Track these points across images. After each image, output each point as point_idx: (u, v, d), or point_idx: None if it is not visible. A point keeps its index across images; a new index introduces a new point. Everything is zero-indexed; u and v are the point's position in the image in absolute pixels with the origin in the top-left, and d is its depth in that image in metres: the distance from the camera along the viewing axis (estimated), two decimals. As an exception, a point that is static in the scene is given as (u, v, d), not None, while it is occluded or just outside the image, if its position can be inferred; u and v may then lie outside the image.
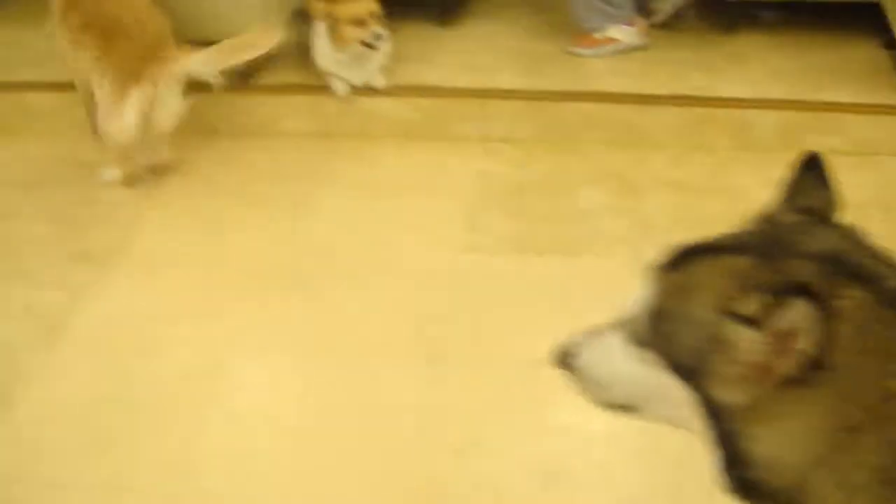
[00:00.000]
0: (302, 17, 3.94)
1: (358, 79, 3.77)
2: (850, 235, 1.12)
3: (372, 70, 3.76)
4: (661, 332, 1.12)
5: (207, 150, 3.82)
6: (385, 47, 3.74)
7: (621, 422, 1.25)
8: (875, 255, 1.09)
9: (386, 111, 3.80)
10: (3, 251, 3.30)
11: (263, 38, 3.44)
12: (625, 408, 1.25)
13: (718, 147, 3.63)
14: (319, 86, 3.82)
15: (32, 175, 3.78)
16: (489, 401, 2.59)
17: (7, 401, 2.67)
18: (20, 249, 3.32)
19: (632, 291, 1.18)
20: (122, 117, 3.35)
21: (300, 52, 3.95)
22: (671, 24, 4.14)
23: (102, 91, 3.36)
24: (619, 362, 1.19)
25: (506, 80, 3.84)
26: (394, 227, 3.32)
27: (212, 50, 3.34)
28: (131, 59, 3.37)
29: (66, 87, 3.83)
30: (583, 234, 3.23)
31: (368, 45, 3.64)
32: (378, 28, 3.61)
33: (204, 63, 3.34)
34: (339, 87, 3.76)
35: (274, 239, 3.29)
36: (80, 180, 3.70)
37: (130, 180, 3.63)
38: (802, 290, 0.97)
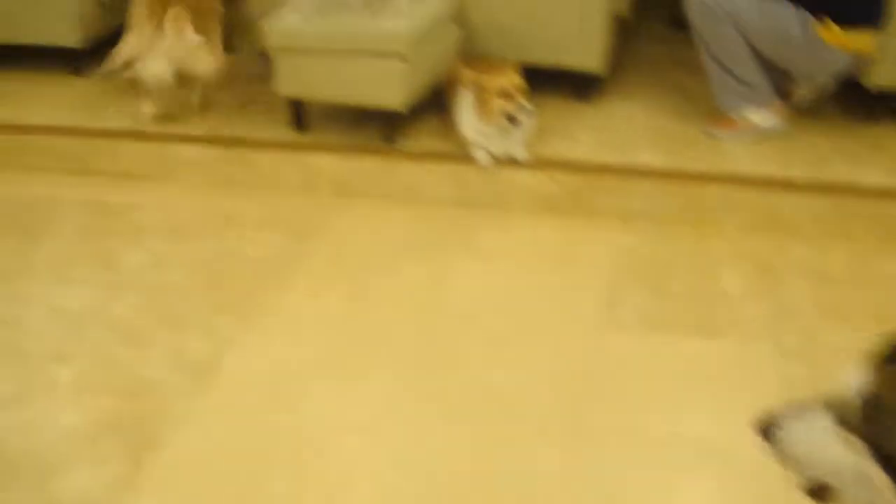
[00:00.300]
0: (448, 85, 3.98)
1: (501, 150, 3.80)
2: None
3: (515, 142, 3.81)
4: (877, 424, 1.11)
5: (350, 211, 3.92)
6: (529, 122, 3.77)
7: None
8: None
9: (526, 183, 3.83)
10: (151, 296, 3.41)
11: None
12: (822, 489, 1.23)
13: (861, 237, 3.59)
14: (462, 154, 3.86)
15: (179, 224, 3.91)
16: (624, 475, 2.58)
17: (155, 443, 2.73)
18: (167, 296, 3.41)
19: (845, 374, 1.17)
20: (154, 62, 3.89)
21: (444, 119, 4.05)
22: (811, 110, 4.10)
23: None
24: (826, 444, 1.19)
25: (645, 158, 3.87)
26: (533, 299, 3.34)
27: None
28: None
29: (214, 140, 4.05)
30: (722, 317, 3.20)
31: (512, 119, 3.65)
32: (524, 102, 3.64)
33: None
34: (482, 157, 3.80)
35: (414, 304, 3.33)
36: (225, 232, 3.82)
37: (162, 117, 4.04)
38: None
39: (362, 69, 3.77)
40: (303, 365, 3.03)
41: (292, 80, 3.94)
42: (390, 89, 3.79)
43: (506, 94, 3.68)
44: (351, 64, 3.79)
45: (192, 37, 4.11)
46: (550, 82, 4.19)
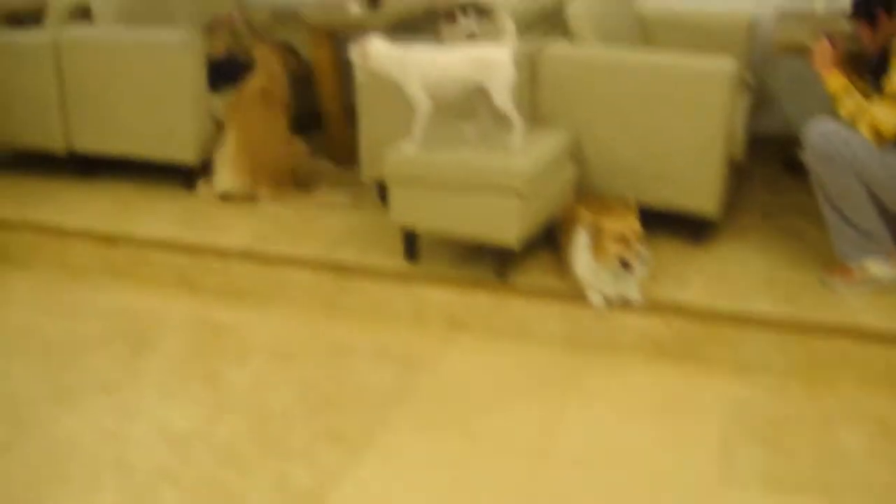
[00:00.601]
0: (562, 222, 4.00)
1: (614, 291, 3.74)
2: None
3: (629, 284, 3.74)
4: None
5: (460, 346, 3.88)
6: (644, 267, 3.71)
7: None
8: None
9: (638, 326, 3.76)
10: (256, 419, 3.39)
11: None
12: None
13: None
14: (574, 293, 3.81)
15: (287, 347, 3.91)
16: None
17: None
18: (273, 420, 3.39)
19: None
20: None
21: (556, 257, 4.03)
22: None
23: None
24: None
25: (759, 307, 3.77)
26: (645, 449, 3.24)
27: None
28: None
29: (324, 265, 4.12)
30: (842, 478, 3.07)
31: (627, 265, 3.61)
32: (641, 249, 3.61)
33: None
34: (595, 298, 3.75)
35: (524, 448, 3.25)
36: (333, 359, 3.80)
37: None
38: None
39: (478, 204, 3.77)
40: (409, 504, 2.90)
41: (407, 210, 3.95)
42: (505, 225, 3.77)
43: (623, 240, 3.63)
44: (467, 198, 3.79)
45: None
46: (663, 222, 4.14)
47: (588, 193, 4.19)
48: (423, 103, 3.86)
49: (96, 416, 3.42)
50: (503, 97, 3.82)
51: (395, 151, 3.93)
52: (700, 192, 4.13)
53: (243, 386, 3.58)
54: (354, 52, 3.85)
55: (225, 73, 5.08)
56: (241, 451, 3.21)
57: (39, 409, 3.49)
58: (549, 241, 4.13)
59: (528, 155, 3.82)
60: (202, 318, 4.09)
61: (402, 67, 3.84)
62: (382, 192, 4.64)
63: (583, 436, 3.30)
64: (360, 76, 3.93)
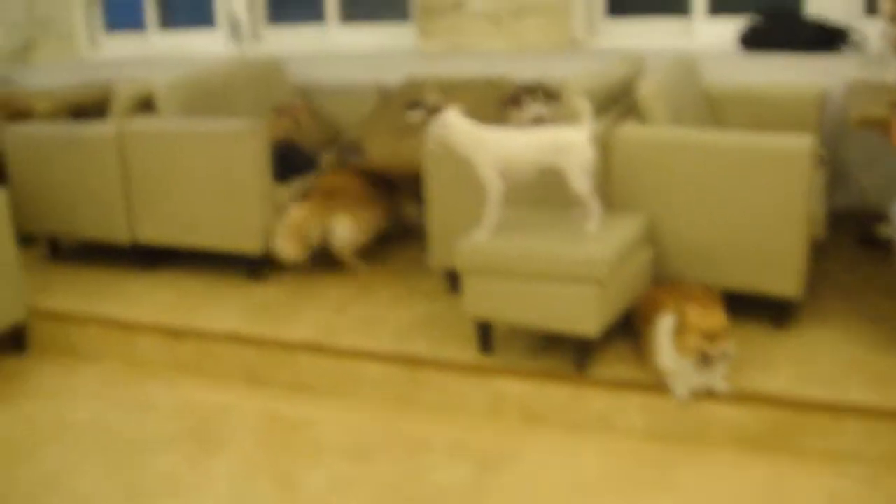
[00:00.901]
0: (641, 309, 3.88)
1: (699, 381, 3.58)
2: None
3: (714, 374, 3.58)
4: None
5: (538, 440, 3.76)
6: (728, 361, 3.58)
7: None
8: None
9: (725, 416, 3.61)
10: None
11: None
12: None
13: None
14: (655, 383, 3.68)
15: (362, 444, 3.80)
16: None
17: None
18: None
19: None
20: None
21: (636, 346, 3.91)
22: None
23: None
24: None
25: (851, 394, 3.61)
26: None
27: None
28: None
29: (396, 358, 4.04)
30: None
31: (707, 360, 3.49)
32: (727, 346, 3.48)
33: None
34: (679, 389, 3.60)
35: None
36: (410, 457, 3.69)
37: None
38: None
39: (555, 293, 3.68)
40: None
41: (480, 300, 3.85)
42: (584, 315, 3.65)
43: (709, 336, 3.48)
44: (544, 287, 3.69)
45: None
46: (742, 305, 3.97)
47: (666, 279, 4.03)
48: (495, 185, 3.78)
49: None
50: (581, 181, 3.76)
51: (467, 240, 3.84)
52: (781, 274, 4.00)
53: (318, 488, 3.47)
54: (435, 122, 3.73)
55: (288, 162, 5.01)
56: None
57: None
58: (627, 329, 3.99)
59: (606, 241, 3.73)
60: (271, 415, 3.98)
61: (478, 144, 3.77)
62: (452, 280, 4.52)
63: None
64: (431, 147, 3.81)
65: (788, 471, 3.47)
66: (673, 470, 3.51)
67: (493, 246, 3.78)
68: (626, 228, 3.86)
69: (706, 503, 3.32)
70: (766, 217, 3.95)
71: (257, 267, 4.96)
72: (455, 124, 3.75)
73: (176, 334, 4.46)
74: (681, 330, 3.53)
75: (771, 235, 3.96)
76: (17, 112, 5.85)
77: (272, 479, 3.51)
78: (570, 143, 3.75)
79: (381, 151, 5.10)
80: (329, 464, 3.60)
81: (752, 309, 4.12)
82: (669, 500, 3.35)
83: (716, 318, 3.53)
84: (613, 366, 3.86)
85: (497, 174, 3.77)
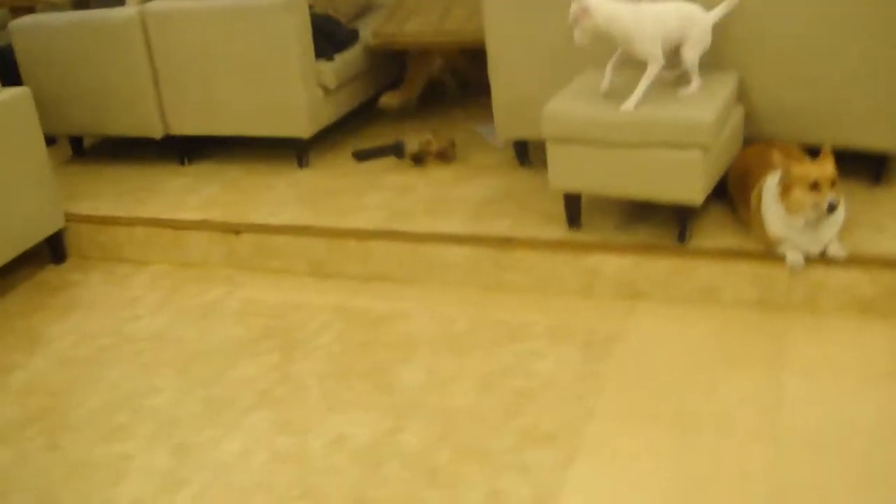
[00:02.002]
0: (740, 173, 3.67)
1: (814, 246, 3.32)
2: None
3: (825, 237, 3.31)
4: None
5: (642, 318, 3.53)
6: (840, 214, 3.38)
7: None
8: None
9: (839, 282, 3.38)
10: (443, 423, 3.07)
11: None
12: None
13: None
14: (762, 251, 3.44)
15: (455, 335, 3.58)
16: None
17: None
18: (462, 423, 3.08)
19: None
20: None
21: (735, 212, 3.72)
22: None
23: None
24: None
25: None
26: (885, 422, 2.86)
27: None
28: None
29: (477, 239, 3.87)
30: None
31: (827, 209, 3.29)
32: (834, 195, 3.25)
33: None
34: (791, 255, 3.32)
35: (750, 432, 2.90)
36: (509, 345, 3.46)
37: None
38: None
39: (656, 160, 3.40)
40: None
41: (569, 172, 3.59)
42: (688, 182, 3.39)
43: (814, 185, 3.26)
44: (643, 155, 3.40)
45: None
46: (837, 164, 3.65)
47: (755, 141, 3.79)
48: (659, 59, 3.55)
49: (262, 436, 3.08)
50: (694, 52, 3.61)
51: (556, 106, 3.57)
52: (881, 126, 3.73)
53: (418, 385, 3.21)
54: (572, 12, 3.46)
55: (329, 37, 4.64)
56: (439, 463, 2.84)
57: (197, 431, 3.16)
58: (720, 195, 3.74)
59: (706, 104, 3.45)
60: (349, 310, 3.71)
61: (637, 23, 3.50)
62: (521, 152, 4.23)
63: (811, 414, 2.93)
64: (579, 40, 3.52)
65: (914, 336, 3.20)
66: (791, 342, 3.29)
67: (588, 112, 3.50)
68: (722, 89, 3.58)
69: (837, 377, 3.07)
70: (867, 66, 3.66)
71: (306, 152, 4.60)
72: (600, 7, 3.47)
73: (230, 230, 4.12)
74: (786, 186, 3.30)
75: (872, 86, 3.67)
76: (21, 4, 5.38)
77: (365, 380, 3.26)
78: (696, 19, 3.61)
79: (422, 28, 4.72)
80: (422, 359, 3.35)
81: (849, 167, 3.78)
82: (796, 375, 3.13)
83: (823, 166, 3.29)
84: (714, 235, 3.61)
85: (659, 47, 3.52)
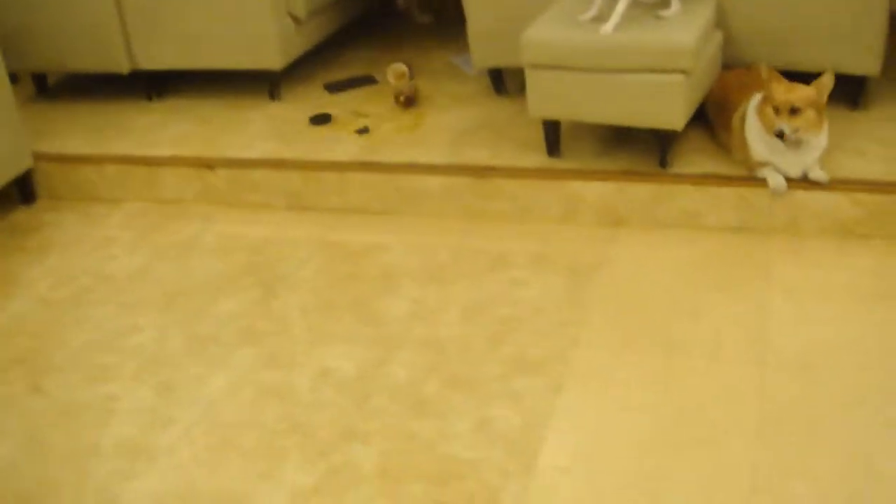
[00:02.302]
0: (719, 98, 3.64)
1: (793, 170, 3.32)
2: None
3: (810, 161, 3.31)
4: None
5: (625, 244, 3.54)
6: (822, 138, 3.39)
7: None
8: None
9: (821, 206, 3.40)
10: (430, 354, 3.05)
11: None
12: None
13: None
14: (743, 176, 3.43)
15: (437, 266, 3.57)
16: None
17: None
18: (449, 353, 3.07)
19: None
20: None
21: (715, 137, 3.72)
22: None
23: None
24: None
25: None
26: (872, 342, 2.91)
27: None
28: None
29: (456, 168, 3.84)
30: None
31: (780, 136, 3.27)
32: (788, 123, 3.29)
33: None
34: (773, 179, 3.32)
35: (737, 355, 2.92)
36: (492, 274, 3.46)
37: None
38: None
39: (637, 85, 3.38)
40: (640, 438, 2.63)
41: (549, 99, 3.56)
42: (670, 107, 3.37)
43: (776, 110, 3.27)
44: (623, 80, 3.38)
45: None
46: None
47: (734, 66, 3.77)
48: None
49: (248, 372, 3.05)
50: None
51: (535, 33, 3.52)
52: (861, 49, 3.73)
53: (402, 316, 3.20)
54: None
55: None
56: (427, 394, 2.85)
57: (182, 369, 3.12)
58: (698, 120, 3.73)
59: (687, 27, 3.42)
60: (329, 243, 3.69)
61: None
62: (498, 81, 4.18)
63: (796, 335, 2.95)
64: None
65: (892, 259, 3.21)
66: (775, 265, 3.32)
67: (567, 38, 3.46)
68: (702, 13, 3.55)
69: (814, 294, 3.10)
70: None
71: (277, 84, 4.52)
72: None
73: (204, 165, 4.06)
74: (764, 110, 3.33)
75: (847, 10, 3.66)
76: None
77: (349, 313, 3.24)
78: None
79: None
80: (406, 290, 3.33)
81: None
82: (781, 298, 3.15)
83: (789, 92, 3.30)
84: (695, 160, 3.62)
85: None
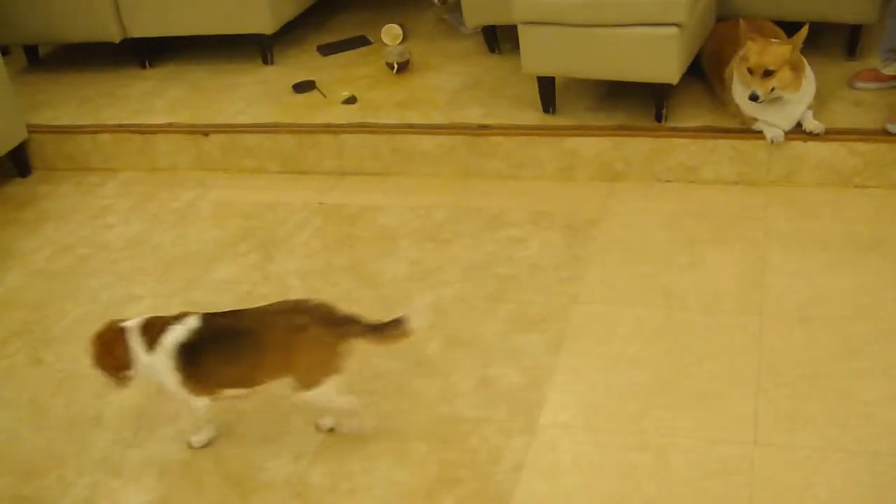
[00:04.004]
0: (711, 52, 3.63)
1: (784, 123, 3.31)
2: None
3: (798, 114, 3.31)
4: None
5: (623, 198, 3.54)
6: (806, 91, 3.35)
7: None
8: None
9: (819, 156, 3.38)
10: (434, 314, 2.92)
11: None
12: None
13: None
14: (741, 130, 3.42)
15: (433, 225, 3.55)
16: None
17: (501, 498, 2.35)
18: (453, 313, 3.06)
19: None
20: None
21: (710, 90, 3.68)
22: None
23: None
24: None
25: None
26: (867, 293, 2.91)
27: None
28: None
29: (451, 127, 3.80)
30: None
31: (755, 99, 3.28)
32: (759, 86, 3.27)
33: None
34: (769, 131, 3.31)
35: (737, 306, 2.93)
36: (491, 232, 3.45)
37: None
38: None
39: (631, 40, 3.37)
40: (641, 392, 2.63)
41: (543, 55, 3.54)
42: (663, 61, 3.37)
43: (750, 71, 3.28)
44: (617, 35, 3.36)
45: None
46: (811, 39, 3.60)
47: (733, 17, 3.67)
48: None
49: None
50: None
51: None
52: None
53: (401, 277, 3.21)
54: None
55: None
56: (430, 352, 2.88)
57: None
58: (694, 74, 3.70)
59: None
60: (326, 206, 3.64)
61: None
62: (491, 39, 4.15)
63: (794, 286, 2.95)
64: None
65: (891, 206, 3.20)
66: (772, 217, 3.32)
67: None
68: (694, -38, 3.45)
69: (811, 246, 3.10)
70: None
71: (270, 48, 4.49)
72: None
73: (198, 131, 4.03)
74: (740, 64, 3.31)
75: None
76: None
77: (348, 275, 3.24)
78: None
79: None
80: (404, 250, 3.33)
81: (823, 41, 3.86)
82: (778, 250, 3.15)
83: (763, 53, 3.25)
84: (691, 114, 3.61)
85: None
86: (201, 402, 2.47)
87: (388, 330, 2.35)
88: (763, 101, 3.24)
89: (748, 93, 3.22)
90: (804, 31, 3.20)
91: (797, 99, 3.30)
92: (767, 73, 3.18)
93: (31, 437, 2.75)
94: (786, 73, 3.17)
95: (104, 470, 2.58)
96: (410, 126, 3.77)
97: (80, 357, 2.93)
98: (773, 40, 3.26)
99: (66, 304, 3.32)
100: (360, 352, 2.63)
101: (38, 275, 3.52)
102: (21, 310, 3.31)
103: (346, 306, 2.92)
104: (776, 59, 3.15)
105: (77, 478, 2.58)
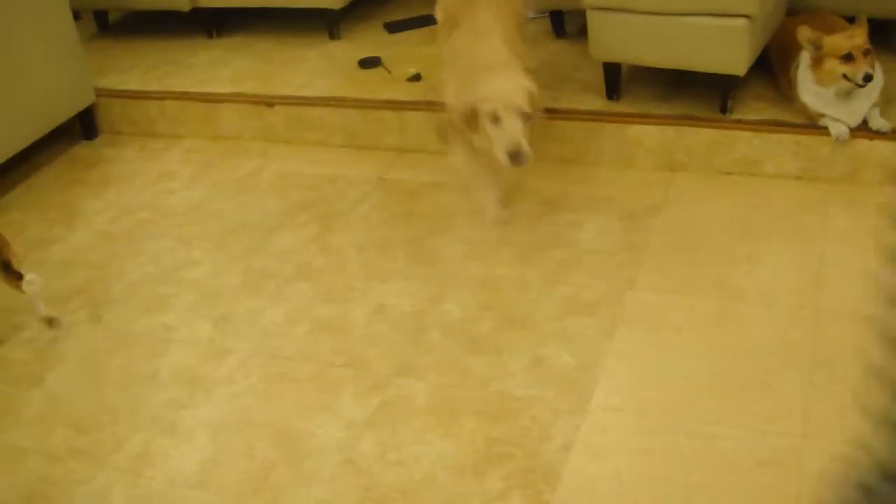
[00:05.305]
0: (780, 45, 3.55)
1: (851, 119, 3.27)
2: None
3: (865, 109, 3.26)
4: None
5: (683, 189, 3.50)
6: (875, 85, 3.29)
7: None
8: None
9: (883, 154, 3.30)
10: (485, 292, 3.09)
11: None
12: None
13: None
14: (804, 124, 3.35)
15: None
16: None
17: (551, 478, 2.39)
18: (503, 293, 3.08)
19: None
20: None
21: (777, 84, 3.61)
22: None
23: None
24: None
25: None
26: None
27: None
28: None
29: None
30: None
31: (869, 79, 3.22)
32: (867, 67, 3.17)
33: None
34: (835, 127, 3.27)
35: (795, 302, 2.90)
36: (549, 216, 3.45)
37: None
38: None
39: (700, 29, 3.33)
40: (692, 381, 2.63)
41: (610, 41, 3.52)
42: (732, 51, 3.33)
43: (847, 58, 3.19)
44: (686, 23, 3.33)
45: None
46: (881, 37, 3.57)
47: (800, 10, 3.66)
48: None
49: (304, 307, 3.10)
50: None
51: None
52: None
53: (458, 255, 3.21)
54: None
55: None
56: (482, 331, 2.86)
57: (238, 302, 3.17)
58: (762, 67, 3.65)
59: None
60: (386, 181, 3.71)
61: None
62: (557, 23, 4.15)
63: (851, 284, 2.89)
64: None
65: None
66: (834, 214, 3.27)
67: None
68: (768, -46, 3.42)
69: (871, 244, 2.99)
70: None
71: (337, 24, 4.52)
72: None
73: (263, 102, 4.06)
74: (817, 58, 3.26)
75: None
76: None
77: (404, 251, 3.26)
78: None
79: None
80: (461, 230, 3.35)
81: (891, 39, 3.74)
82: (838, 247, 3.11)
83: (854, 37, 3.20)
84: (756, 107, 3.56)
85: None
86: None
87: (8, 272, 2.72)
88: (841, 93, 3.26)
89: (861, 75, 3.18)
90: (863, 20, 3.17)
91: (865, 94, 3.24)
92: (867, 52, 3.16)
93: (87, 392, 2.81)
94: (867, 58, 3.17)
95: (158, 428, 2.63)
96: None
97: (139, 317, 2.99)
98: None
99: (126, 266, 3.37)
100: (412, 326, 2.65)
101: (102, 236, 3.58)
102: (83, 269, 3.37)
103: (401, 281, 2.96)
104: (866, 39, 3.16)
105: (130, 434, 2.62)
